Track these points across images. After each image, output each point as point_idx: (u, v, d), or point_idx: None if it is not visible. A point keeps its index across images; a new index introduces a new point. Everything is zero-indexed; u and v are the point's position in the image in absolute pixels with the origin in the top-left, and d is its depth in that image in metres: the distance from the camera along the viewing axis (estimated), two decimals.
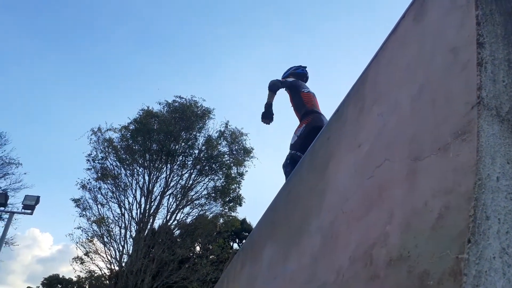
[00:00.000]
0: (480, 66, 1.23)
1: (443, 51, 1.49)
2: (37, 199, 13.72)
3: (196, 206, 19.60)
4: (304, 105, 4.42)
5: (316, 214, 2.32)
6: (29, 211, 13.77)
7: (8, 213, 14.40)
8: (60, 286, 35.79)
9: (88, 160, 19.07)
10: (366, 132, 1.96)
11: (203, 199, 19.65)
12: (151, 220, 18.65)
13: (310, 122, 4.28)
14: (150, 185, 19.06)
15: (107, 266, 17.94)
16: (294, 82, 4.56)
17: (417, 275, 1.10)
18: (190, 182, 19.55)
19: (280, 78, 4.88)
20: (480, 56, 1.25)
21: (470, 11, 1.37)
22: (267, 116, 4.41)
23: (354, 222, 1.75)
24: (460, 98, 1.29)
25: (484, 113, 1.16)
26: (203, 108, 20.31)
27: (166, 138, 19.17)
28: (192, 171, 19.68)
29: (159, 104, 20.32)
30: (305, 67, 4.89)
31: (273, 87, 4.42)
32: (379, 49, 2.19)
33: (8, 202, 14.67)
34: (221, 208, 19.98)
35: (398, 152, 1.55)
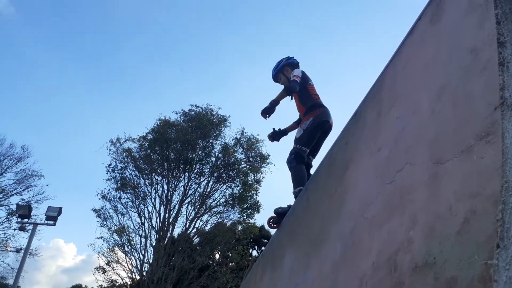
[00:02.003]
0: (502, 66, 1.20)
1: (462, 52, 1.46)
2: (59, 210, 13.99)
3: (215, 214, 19.66)
4: (310, 97, 4.21)
5: (336, 220, 2.29)
6: (52, 222, 14.04)
7: (32, 225, 14.71)
8: None
9: (108, 171, 19.39)
10: (385, 136, 1.93)
11: (221, 206, 19.71)
12: (170, 229, 18.79)
13: (318, 116, 4.09)
14: (169, 193, 19.23)
15: (128, 275, 18.12)
16: (303, 74, 4.31)
17: (444, 282, 1.07)
18: (208, 190, 19.65)
19: (272, 71, 4.61)
20: (501, 56, 1.22)
21: (489, 10, 1.34)
22: (270, 112, 4.15)
23: (376, 228, 1.72)
24: (482, 99, 1.26)
25: (508, 114, 1.12)
26: (219, 116, 20.45)
27: (183, 146, 19.34)
28: (209, 179, 19.78)
29: (176, 113, 20.56)
30: (293, 56, 4.64)
31: (292, 91, 4.18)
32: (396, 51, 2.17)
33: (31, 214, 15.01)
34: (239, 215, 19.99)
35: (419, 155, 1.52)
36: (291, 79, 4.18)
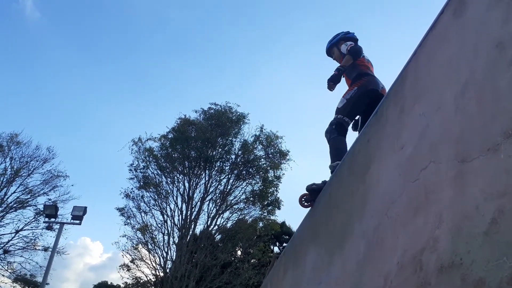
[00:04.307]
0: None
1: (487, 47, 1.42)
2: (84, 210, 14.33)
3: (236, 211, 19.76)
4: (355, 68, 3.91)
5: (359, 218, 2.28)
6: (77, 221, 14.40)
7: (59, 224, 15.12)
8: None
9: (130, 170, 19.71)
10: (408, 133, 1.90)
11: (241, 203, 19.78)
12: (192, 226, 18.99)
13: (364, 85, 3.75)
14: (190, 191, 19.43)
15: (152, 272, 18.43)
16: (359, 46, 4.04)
17: (471, 283, 1.06)
18: (229, 187, 19.75)
19: (327, 44, 4.33)
20: None
21: None
22: (337, 80, 3.79)
23: (400, 226, 1.70)
24: (509, 95, 1.23)
25: None
26: (238, 113, 20.49)
27: (203, 145, 19.49)
28: (230, 176, 19.87)
29: (196, 112, 20.72)
30: (353, 32, 4.28)
31: (358, 52, 3.86)
32: (418, 46, 2.13)
33: (58, 213, 15.43)
34: (260, 212, 20.03)
35: (444, 153, 1.50)
36: (348, 47, 3.89)
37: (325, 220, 3.16)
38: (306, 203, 3.77)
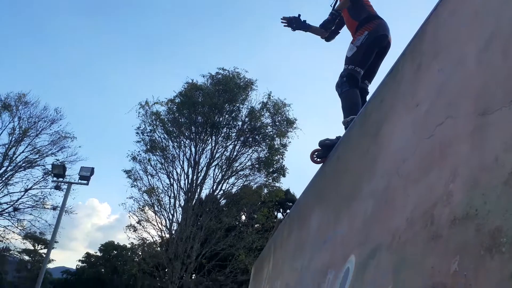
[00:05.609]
0: None
1: None
2: (92, 170, 14.54)
3: (241, 177, 19.97)
4: (363, 8, 3.50)
5: (368, 179, 2.26)
6: (85, 181, 14.65)
7: (67, 184, 15.40)
8: (115, 252, 38.38)
9: (137, 133, 19.83)
10: (424, 90, 1.85)
11: (247, 170, 19.97)
12: (198, 190, 19.27)
13: (375, 30, 3.38)
14: (197, 156, 19.59)
15: (158, 234, 18.89)
16: None
17: (487, 233, 1.04)
18: (235, 153, 19.88)
19: None
20: None
21: None
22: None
23: (412, 184, 1.68)
24: None
25: None
26: (246, 79, 20.30)
27: (210, 110, 19.44)
28: (236, 142, 19.95)
29: (203, 76, 20.54)
30: None
31: None
32: (439, 1, 2.04)
33: (66, 174, 15.69)
34: (265, 179, 20.23)
35: (463, 108, 1.45)
36: None
37: (333, 182, 3.15)
38: (318, 159, 3.60)
